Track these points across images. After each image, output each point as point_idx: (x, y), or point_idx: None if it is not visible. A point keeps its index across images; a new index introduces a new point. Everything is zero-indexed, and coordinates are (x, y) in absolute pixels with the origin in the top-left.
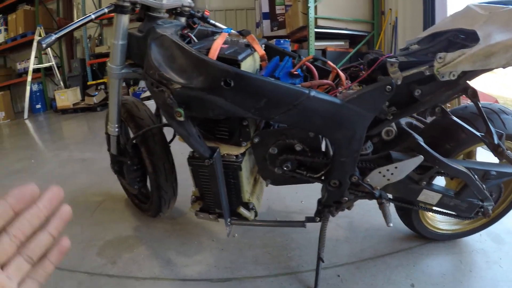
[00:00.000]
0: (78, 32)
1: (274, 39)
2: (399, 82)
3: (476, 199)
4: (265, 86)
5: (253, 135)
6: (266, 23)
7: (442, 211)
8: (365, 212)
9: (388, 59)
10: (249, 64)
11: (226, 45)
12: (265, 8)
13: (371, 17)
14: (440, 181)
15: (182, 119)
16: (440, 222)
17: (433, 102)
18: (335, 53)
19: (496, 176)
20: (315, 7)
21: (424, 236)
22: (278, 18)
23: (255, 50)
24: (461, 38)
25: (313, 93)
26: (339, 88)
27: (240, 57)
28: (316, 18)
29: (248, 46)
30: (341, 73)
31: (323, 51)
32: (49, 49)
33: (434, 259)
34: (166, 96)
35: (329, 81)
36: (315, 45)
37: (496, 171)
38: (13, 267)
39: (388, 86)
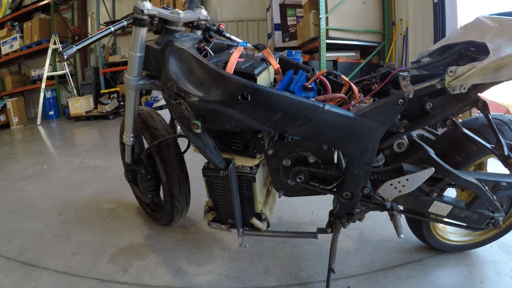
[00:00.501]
0: None
1: (286, 50)
2: (411, 96)
3: (487, 210)
4: (281, 100)
5: (267, 147)
6: (278, 34)
7: (453, 223)
8: (375, 223)
9: (400, 73)
10: (264, 78)
11: (242, 59)
12: (277, 19)
13: (382, 28)
14: (451, 192)
15: (199, 131)
16: (450, 233)
17: (444, 115)
18: (346, 64)
19: (507, 187)
20: (326, 18)
21: (434, 248)
22: (289, 29)
23: (270, 64)
24: (471, 50)
25: (327, 107)
26: (352, 102)
27: (256, 72)
28: (327, 29)
29: (264, 60)
30: (354, 87)
31: (334, 62)
32: None
33: (445, 271)
34: (184, 108)
35: (342, 95)
36: (326, 56)
37: (507, 182)
38: None
39: (400, 100)
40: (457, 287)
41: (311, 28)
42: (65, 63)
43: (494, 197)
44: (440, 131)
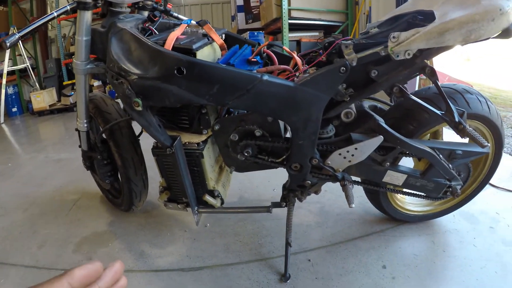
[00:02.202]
0: (53, 31)
1: (248, 32)
2: (354, 64)
3: (443, 179)
4: (217, 72)
5: (213, 123)
6: (241, 16)
7: (410, 192)
8: (336, 197)
9: (343, 42)
10: (207, 53)
11: (184, 36)
12: (240, 1)
13: (345, 7)
14: (409, 162)
15: (140, 109)
16: (410, 203)
17: (390, 82)
18: (309, 44)
19: (463, 156)
20: None
21: (395, 218)
22: (252, 10)
23: (213, 40)
24: (419, 19)
25: (265, 77)
26: (297, 73)
27: (195, 46)
28: (289, 10)
29: (205, 35)
30: (297, 58)
31: (298, 42)
32: (23, 50)
33: (406, 241)
34: (125, 87)
35: (285, 66)
36: (289, 36)
37: (462, 150)
38: None
39: (342, 68)
40: (419, 256)
41: (274, 9)
42: (25, 56)
43: (450, 165)
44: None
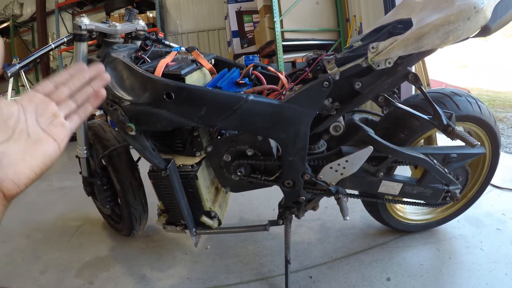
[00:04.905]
0: (54, 62)
1: (243, 56)
2: (337, 78)
3: (440, 184)
4: (204, 95)
5: (206, 145)
6: (236, 41)
7: (408, 201)
8: (337, 212)
9: (325, 57)
10: (196, 78)
11: (174, 63)
12: (234, 27)
13: (336, 25)
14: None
15: (133, 133)
16: (411, 213)
17: (375, 92)
18: (304, 64)
19: (458, 159)
20: (281, 21)
21: (397, 229)
22: (247, 35)
23: (201, 65)
24: (399, 28)
25: (251, 97)
26: (283, 90)
27: (183, 72)
28: (282, 32)
29: (194, 61)
30: (281, 77)
31: (293, 63)
32: (26, 81)
33: (411, 251)
34: (119, 113)
35: (272, 86)
36: (284, 58)
37: (457, 154)
38: (64, 104)
39: (325, 82)
40: (425, 266)
41: (267, 32)
42: (27, 86)
43: (446, 170)
44: None
